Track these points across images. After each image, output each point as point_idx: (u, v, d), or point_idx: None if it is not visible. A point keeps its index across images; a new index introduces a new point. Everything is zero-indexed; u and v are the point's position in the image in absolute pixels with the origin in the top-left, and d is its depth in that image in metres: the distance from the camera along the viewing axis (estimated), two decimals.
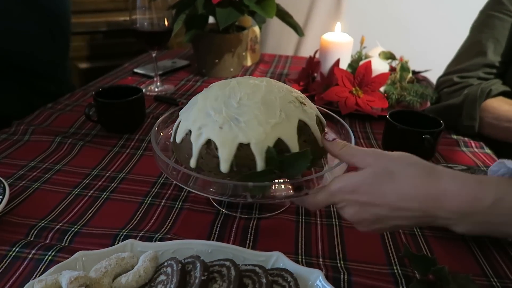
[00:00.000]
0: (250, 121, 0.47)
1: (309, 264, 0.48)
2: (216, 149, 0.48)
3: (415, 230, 0.55)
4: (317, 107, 0.58)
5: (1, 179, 0.56)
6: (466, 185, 0.38)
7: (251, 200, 0.47)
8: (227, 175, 0.48)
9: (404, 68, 0.97)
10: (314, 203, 0.46)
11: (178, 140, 0.53)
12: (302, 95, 0.55)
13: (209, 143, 0.48)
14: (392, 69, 0.99)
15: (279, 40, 1.71)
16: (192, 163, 0.50)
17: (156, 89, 1.02)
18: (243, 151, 0.47)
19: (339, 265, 0.48)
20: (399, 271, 0.48)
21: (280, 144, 0.47)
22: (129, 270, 0.42)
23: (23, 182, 0.61)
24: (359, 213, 0.42)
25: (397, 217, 0.41)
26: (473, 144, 0.81)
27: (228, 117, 0.48)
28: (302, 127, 0.49)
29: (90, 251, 0.43)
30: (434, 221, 0.40)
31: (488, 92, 0.80)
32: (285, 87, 0.53)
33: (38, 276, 0.42)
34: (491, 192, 0.37)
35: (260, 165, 0.46)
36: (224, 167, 0.47)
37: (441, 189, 0.39)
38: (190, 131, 0.51)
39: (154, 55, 0.99)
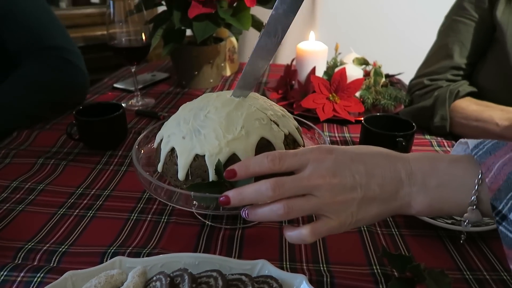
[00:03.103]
0: (209, 134, 0.50)
1: (293, 270, 0.50)
2: (177, 157, 0.51)
3: (392, 229, 0.58)
4: (293, 117, 0.61)
5: None
6: (424, 153, 0.43)
7: (233, 212, 0.49)
8: (183, 182, 0.51)
9: (378, 73, 1.00)
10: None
11: (155, 145, 0.58)
12: (281, 113, 0.56)
13: (173, 151, 0.53)
14: (366, 74, 1.03)
15: None
16: (159, 167, 0.55)
17: (137, 104, 1.03)
18: (198, 162, 0.50)
19: (322, 268, 0.51)
20: (379, 271, 0.50)
21: (235, 159, 0.49)
22: (119, 287, 0.43)
23: (7, 205, 0.61)
24: (334, 173, 0.40)
25: (372, 175, 0.40)
26: (445, 144, 0.84)
27: (192, 128, 0.52)
28: (264, 145, 0.51)
29: (79, 270, 0.44)
30: (399, 192, 0.40)
31: (457, 93, 0.85)
32: (261, 104, 0.55)
33: None
34: (446, 156, 0.42)
35: (212, 176, 0.49)
36: (180, 174, 0.51)
37: (404, 155, 0.42)
38: (163, 138, 0.55)
39: (133, 70, 1.00)
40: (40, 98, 0.88)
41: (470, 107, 0.82)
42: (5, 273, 0.48)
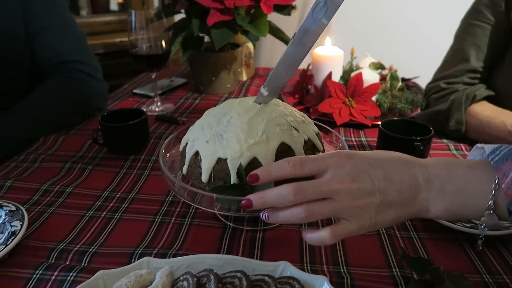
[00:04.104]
0: (231, 138, 0.52)
1: (314, 271, 0.52)
2: (200, 160, 0.53)
3: (411, 233, 0.59)
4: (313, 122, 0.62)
5: (19, 206, 0.59)
6: (441, 158, 0.44)
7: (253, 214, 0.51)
8: (206, 184, 0.53)
9: (394, 77, 1.01)
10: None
11: (180, 148, 0.60)
12: (301, 119, 0.58)
13: (197, 154, 0.55)
14: (383, 78, 1.04)
15: (272, 53, 1.76)
16: (184, 170, 0.57)
17: (157, 109, 1.05)
18: (221, 165, 0.52)
19: (342, 270, 0.52)
20: (398, 273, 0.51)
21: (256, 163, 0.51)
22: (148, 286, 0.45)
23: (39, 207, 0.64)
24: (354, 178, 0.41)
25: (389, 179, 0.41)
26: (463, 147, 0.85)
27: (215, 132, 0.54)
28: (285, 149, 0.53)
29: (110, 270, 0.46)
30: (417, 197, 0.41)
31: (473, 97, 0.84)
32: (282, 110, 0.56)
33: None
34: (463, 161, 0.42)
35: (233, 179, 0.51)
36: (204, 177, 0.53)
37: (422, 160, 0.43)
38: (188, 142, 0.57)
39: (153, 76, 1.03)
40: (65, 109, 0.94)
41: (484, 112, 0.82)
42: (40, 272, 0.50)
